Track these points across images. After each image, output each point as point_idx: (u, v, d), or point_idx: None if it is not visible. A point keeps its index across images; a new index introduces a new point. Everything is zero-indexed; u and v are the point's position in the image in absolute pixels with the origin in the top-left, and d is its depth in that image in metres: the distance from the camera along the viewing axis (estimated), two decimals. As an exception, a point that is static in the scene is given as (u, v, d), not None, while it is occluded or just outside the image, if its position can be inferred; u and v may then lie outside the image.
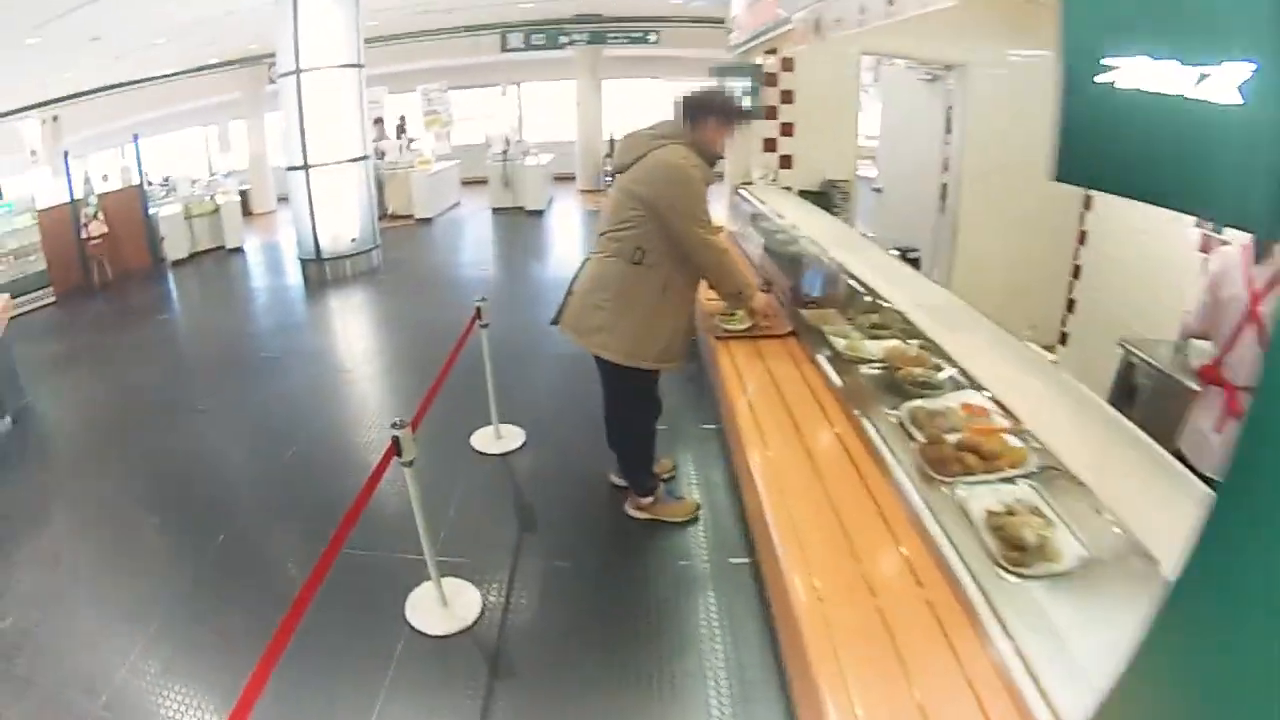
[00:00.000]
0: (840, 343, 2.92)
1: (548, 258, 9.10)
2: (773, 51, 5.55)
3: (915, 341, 2.72)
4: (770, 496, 2.15)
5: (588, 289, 2.77)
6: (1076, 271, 4.74)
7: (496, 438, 3.98)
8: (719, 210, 5.39)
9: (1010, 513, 1.74)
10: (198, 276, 8.80)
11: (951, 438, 2.05)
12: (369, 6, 7.95)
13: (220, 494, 3.71)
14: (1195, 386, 2.79)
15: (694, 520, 3.16)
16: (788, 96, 5.70)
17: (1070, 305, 4.81)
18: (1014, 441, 1.98)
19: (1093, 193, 4.35)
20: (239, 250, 9.64)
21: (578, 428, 3.92)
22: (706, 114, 2.70)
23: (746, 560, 2.82)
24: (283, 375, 5.41)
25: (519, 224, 10.70)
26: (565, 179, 13.02)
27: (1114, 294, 4.38)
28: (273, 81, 9.16)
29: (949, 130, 5.53)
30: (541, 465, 3.82)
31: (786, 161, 5.85)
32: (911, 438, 2.16)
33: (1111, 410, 2.04)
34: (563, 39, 11.50)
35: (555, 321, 2.89)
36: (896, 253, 3.97)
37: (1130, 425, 1.92)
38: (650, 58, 12.78)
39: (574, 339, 2.80)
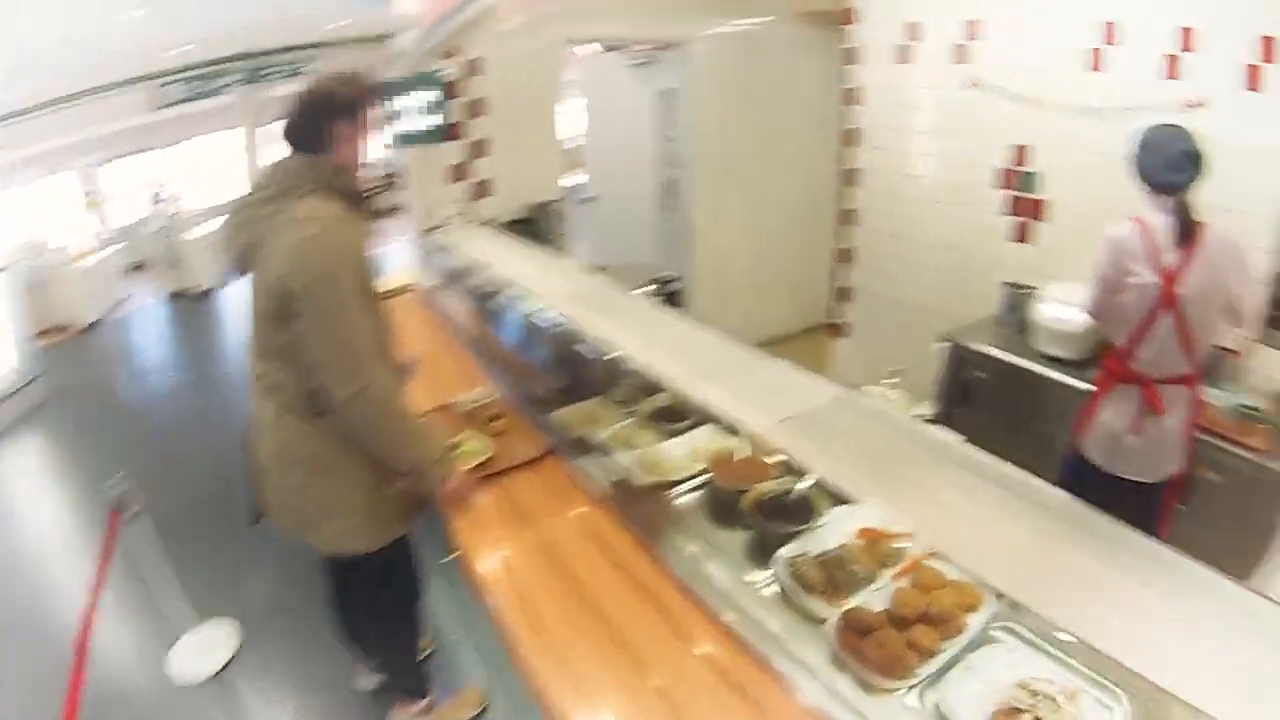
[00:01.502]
0: (626, 457, 1.98)
1: (228, 356, 7.30)
2: (453, 54, 4.32)
3: (739, 436, 1.99)
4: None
5: (278, 467, 1.90)
6: (845, 256, 4.41)
7: (199, 652, 2.83)
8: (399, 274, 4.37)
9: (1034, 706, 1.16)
10: None
11: (874, 600, 1.40)
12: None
13: None
14: (1081, 385, 2.70)
15: (482, 712, 2.42)
16: (477, 108, 4.44)
17: (844, 294, 4.51)
18: (947, 571, 1.45)
19: (860, 167, 4.14)
20: None
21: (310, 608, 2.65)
22: (322, 124, 1.75)
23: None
24: None
25: (192, 310, 8.99)
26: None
27: (897, 278, 4.15)
28: None
29: (667, 121, 4.96)
30: (268, 681, 2.73)
31: (483, 189, 4.64)
32: (813, 616, 1.43)
33: (1055, 493, 1.75)
34: (220, 82, 9.82)
35: (255, 520, 2.03)
36: (654, 287, 3.32)
37: (1082, 507, 1.66)
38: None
39: (297, 534, 1.96)
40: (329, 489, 1.86)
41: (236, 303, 8.89)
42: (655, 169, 5.50)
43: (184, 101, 9.83)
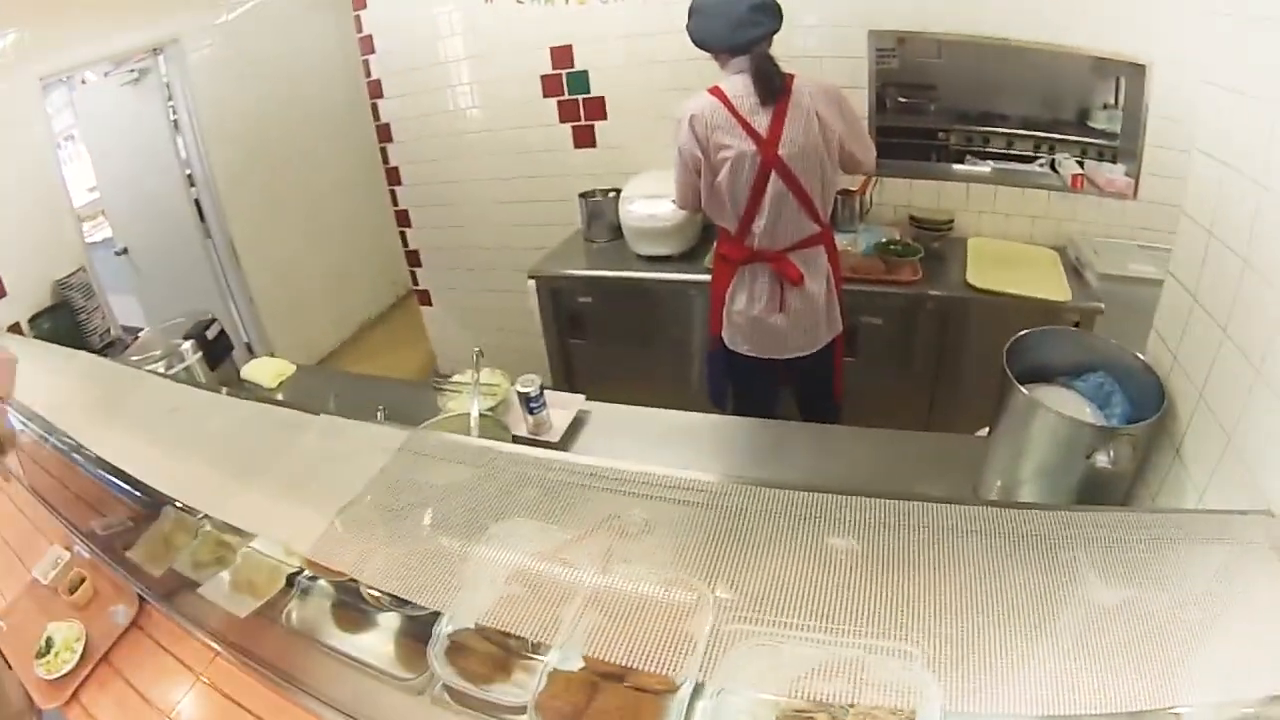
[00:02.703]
0: (217, 588, 1.41)
1: None
2: None
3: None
4: None
5: None
6: (404, 219, 3.81)
7: None
8: None
9: None
10: None
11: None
12: None
13: None
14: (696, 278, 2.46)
15: None
16: None
17: (414, 258, 3.96)
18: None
19: (390, 121, 3.54)
20: None
21: None
22: None
23: None
24: None
25: None
26: None
27: (464, 228, 3.63)
28: None
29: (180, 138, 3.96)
30: None
31: None
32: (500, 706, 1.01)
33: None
34: None
35: None
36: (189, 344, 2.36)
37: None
38: None
39: None
40: None
41: None
42: (184, 192, 4.14)
43: None
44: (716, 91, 1.89)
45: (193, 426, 1.79)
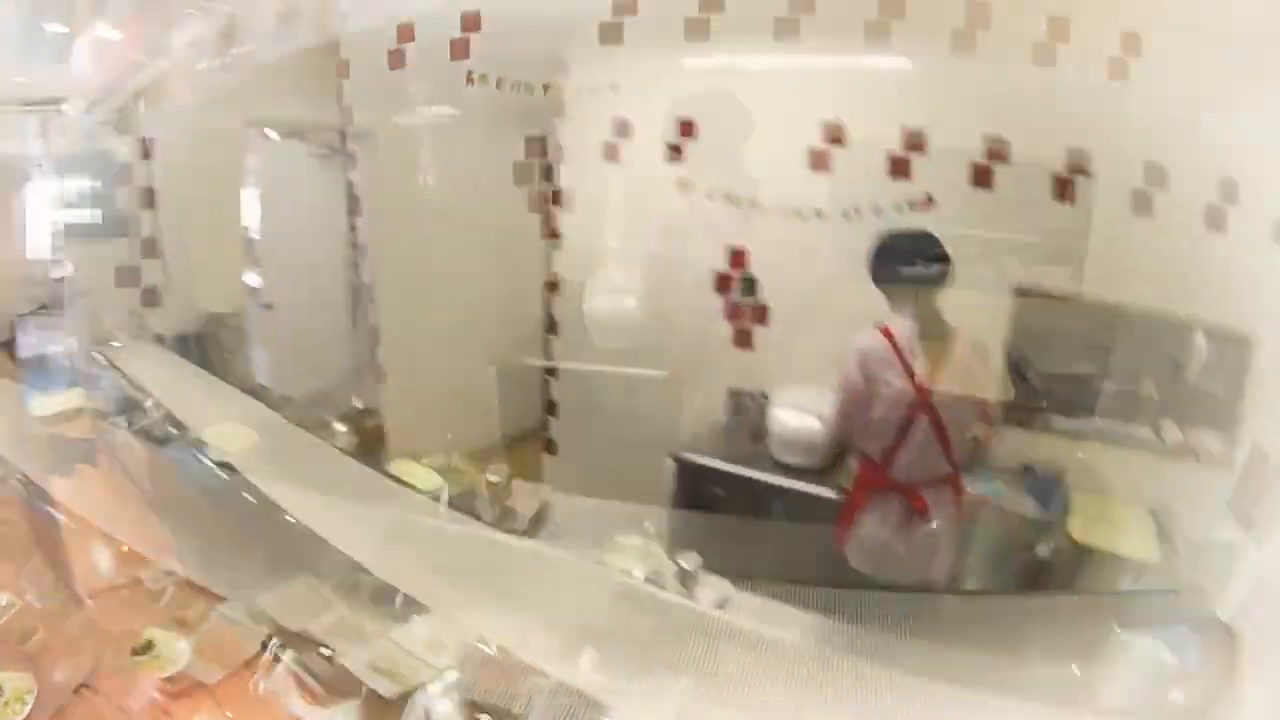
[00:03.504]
0: (357, 663, 1.54)
1: None
2: (127, 131, 3.55)
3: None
4: None
5: None
6: (551, 371, 4.02)
7: None
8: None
9: None
10: None
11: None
12: None
13: None
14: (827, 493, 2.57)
15: None
16: (149, 199, 3.63)
17: (552, 408, 4.11)
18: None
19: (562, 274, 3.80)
20: None
21: None
22: None
23: None
24: None
25: None
26: None
27: (608, 390, 3.70)
28: None
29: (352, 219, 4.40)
30: None
31: (151, 297, 3.72)
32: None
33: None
34: None
35: None
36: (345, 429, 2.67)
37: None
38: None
39: None
40: None
41: None
42: (342, 275, 4.63)
43: None
44: (886, 331, 2.10)
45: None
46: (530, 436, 4.59)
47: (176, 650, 1.65)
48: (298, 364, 4.39)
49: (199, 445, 2.32)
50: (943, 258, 2.01)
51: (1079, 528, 2.36)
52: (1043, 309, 2.58)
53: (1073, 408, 2.64)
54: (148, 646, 1.64)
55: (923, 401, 2.05)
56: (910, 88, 2.77)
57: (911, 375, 2.06)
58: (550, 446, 4.05)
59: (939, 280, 2.03)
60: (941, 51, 2.24)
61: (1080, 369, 2.63)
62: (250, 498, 2.02)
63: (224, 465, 2.20)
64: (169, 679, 1.58)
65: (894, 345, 2.07)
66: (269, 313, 4.49)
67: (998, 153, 2.57)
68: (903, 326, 2.08)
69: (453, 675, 1.46)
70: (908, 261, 2.03)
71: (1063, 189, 2.49)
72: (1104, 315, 2.47)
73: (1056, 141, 2.48)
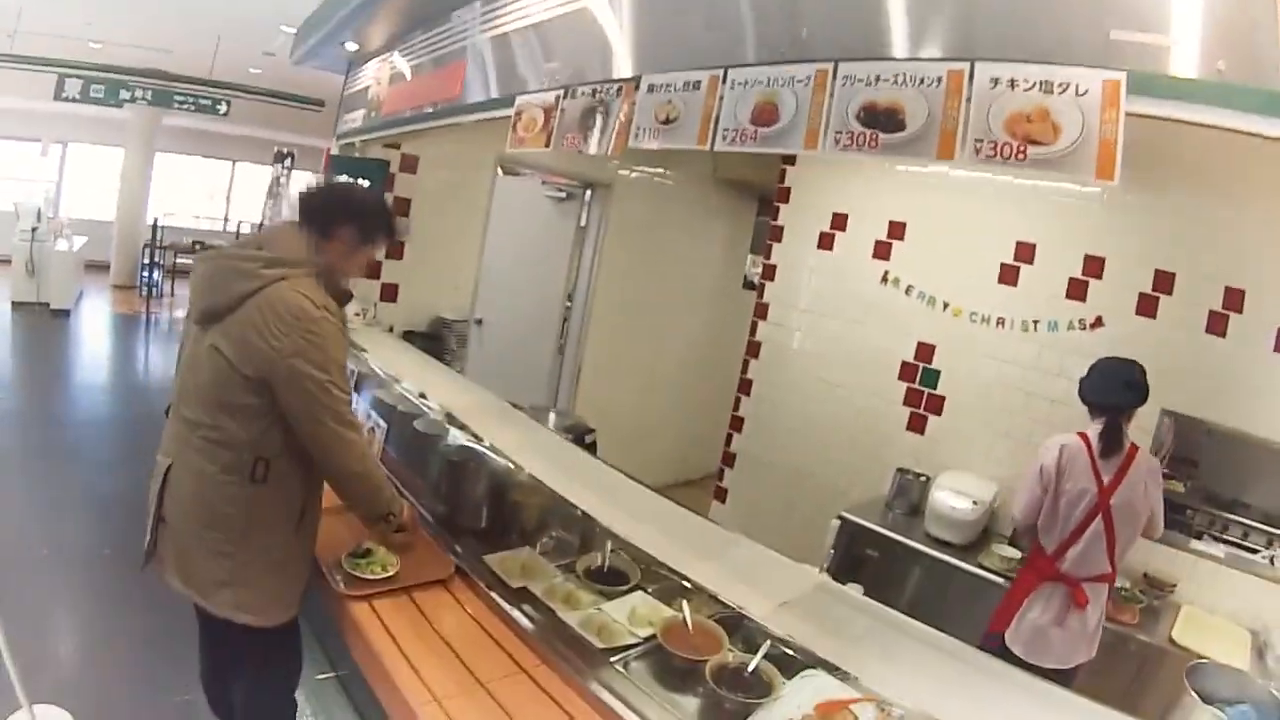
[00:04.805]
0: (572, 618, 1.85)
1: (84, 390, 6.62)
2: (396, 145, 4.20)
3: (685, 604, 1.81)
4: None
5: (195, 524, 1.79)
6: (736, 423, 4.35)
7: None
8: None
9: None
10: None
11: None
12: None
13: None
14: (968, 567, 2.88)
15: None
16: (403, 206, 4.26)
17: (730, 459, 4.41)
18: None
19: (761, 339, 4.21)
20: None
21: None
22: (343, 222, 1.84)
23: None
24: None
25: (44, 331, 7.81)
26: (98, 268, 10.12)
27: (785, 448, 4.10)
28: None
29: (574, 258, 4.97)
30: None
31: (391, 293, 4.36)
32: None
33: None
34: (124, 94, 9.28)
35: (147, 562, 1.87)
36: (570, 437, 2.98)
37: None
38: (217, 134, 11.31)
39: (186, 593, 1.83)
40: (243, 556, 1.79)
41: (91, 333, 8.31)
42: (553, 306, 5.34)
43: (77, 101, 9.05)
44: (1083, 436, 2.40)
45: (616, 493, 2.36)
46: (702, 483, 5.02)
47: (389, 560, 2.04)
48: (501, 376, 4.75)
49: (437, 419, 2.71)
50: (1138, 387, 2.33)
51: (1183, 633, 2.51)
52: (1188, 430, 2.79)
53: (1194, 529, 2.78)
54: (367, 553, 2.04)
55: (1102, 503, 2.34)
56: (1095, 215, 3.07)
57: (1099, 478, 2.35)
58: (720, 494, 4.43)
59: (1135, 405, 2.35)
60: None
61: (1224, 493, 2.76)
62: (486, 469, 2.40)
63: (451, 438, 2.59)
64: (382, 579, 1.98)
65: (1089, 450, 2.37)
66: (479, 327, 5.05)
67: (1163, 284, 2.84)
68: (1095, 435, 2.37)
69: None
70: (1108, 383, 2.38)
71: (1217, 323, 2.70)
72: (1237, 445, 2.65)
73: (1217, 280, 2.71)
